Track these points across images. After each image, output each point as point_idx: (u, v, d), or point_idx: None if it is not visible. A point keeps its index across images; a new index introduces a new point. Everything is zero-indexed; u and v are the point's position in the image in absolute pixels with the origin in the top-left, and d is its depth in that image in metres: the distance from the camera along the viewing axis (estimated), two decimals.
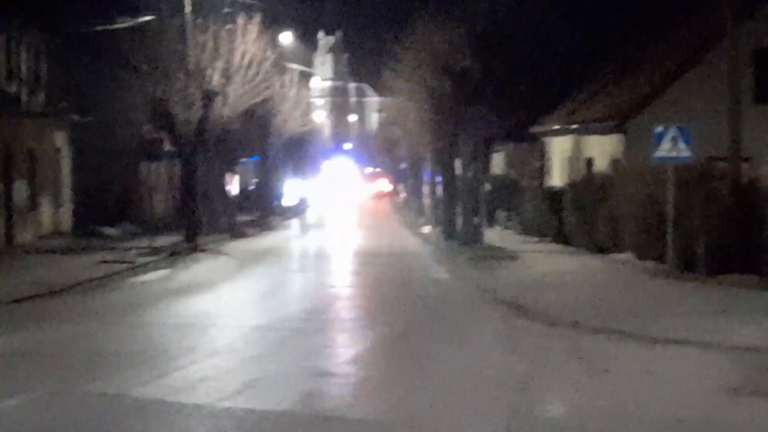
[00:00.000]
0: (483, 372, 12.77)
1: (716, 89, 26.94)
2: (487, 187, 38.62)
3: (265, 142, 54.63)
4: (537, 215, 37.55)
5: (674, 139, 22.67)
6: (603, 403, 10.78)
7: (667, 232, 23.04)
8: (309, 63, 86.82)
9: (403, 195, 78.18)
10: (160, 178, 48.55)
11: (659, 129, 23.05)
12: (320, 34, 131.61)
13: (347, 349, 15.10)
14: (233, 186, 49.43)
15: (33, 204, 36.35)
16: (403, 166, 73.19)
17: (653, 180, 24.32)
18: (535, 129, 43.86)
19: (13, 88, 35.26)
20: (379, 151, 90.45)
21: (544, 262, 27.35)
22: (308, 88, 75.95)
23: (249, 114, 42.56)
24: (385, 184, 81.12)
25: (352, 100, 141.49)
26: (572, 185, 33.84)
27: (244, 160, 55.48)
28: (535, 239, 35.52)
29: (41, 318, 18.26)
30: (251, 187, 62.97)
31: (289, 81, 56.28)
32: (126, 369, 13.05)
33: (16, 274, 25.10)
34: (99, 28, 35.72)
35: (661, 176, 23.22)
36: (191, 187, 36.93)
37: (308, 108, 73.01)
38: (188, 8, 35.68)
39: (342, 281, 26.37)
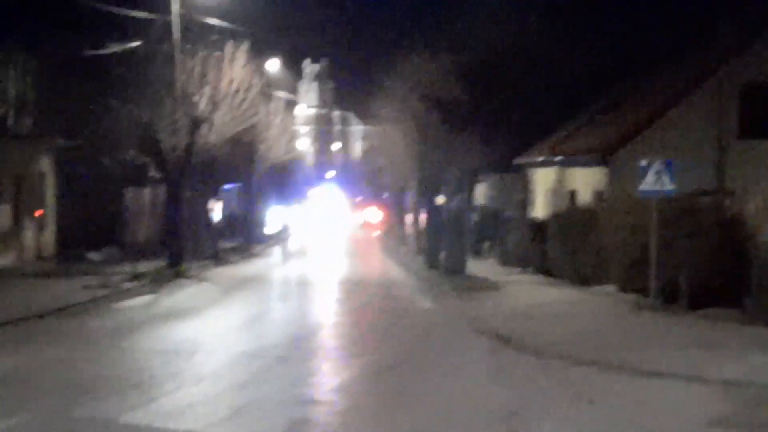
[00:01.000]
0: (471, 404, 12.76)
1: (699, 126, 27.16)
2: (474, 217, 38.60)
3: (249, 169, 54.72)
4: (520, 246, 37.52)
5: (659, 173, 22.76)
6: None
7: (650, 265, 23.14)
8: (294, 90, 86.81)
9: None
10: (144, 203, 48.52)
11: (644, 162, 23.11)
12: (306, 62, 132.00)
13: (333, 378, 15.06)
14: (217, 212, 49.35)
15: (17, 228, 36.23)
16: (385, 195, 73.16)
17: (637, 213, 24.37)
18: (520, 160, 43.98)
19: None
20: (362, 179, 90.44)
21: (527, 294, 27.32)
22: (293, 116, 75.97)
23: (234, 140, 42.51)
24: (374, 213, 79.88)
25: (337, 128, 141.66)
26: (556, 216, 33.85)
27: (227, 186, 55.36)
28: (517, 270, 35.48)
29: (26, 342, 18.25)
30: (234, 213, 62.80)
31: (275, 108, 56.38)
32: (114, 394, 13.03)
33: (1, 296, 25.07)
34: (88, 52, 35.71)
35: (646, 209, 23.31)
36: (176, 212, 36.93)
37: (293, 135, 72.94)
38: (177, 35, 35.72)
39: (326, 309, 26.28)
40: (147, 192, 47.79)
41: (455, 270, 33.76)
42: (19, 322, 20.97)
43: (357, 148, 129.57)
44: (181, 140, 35.47)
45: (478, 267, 35.73)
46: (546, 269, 32.85)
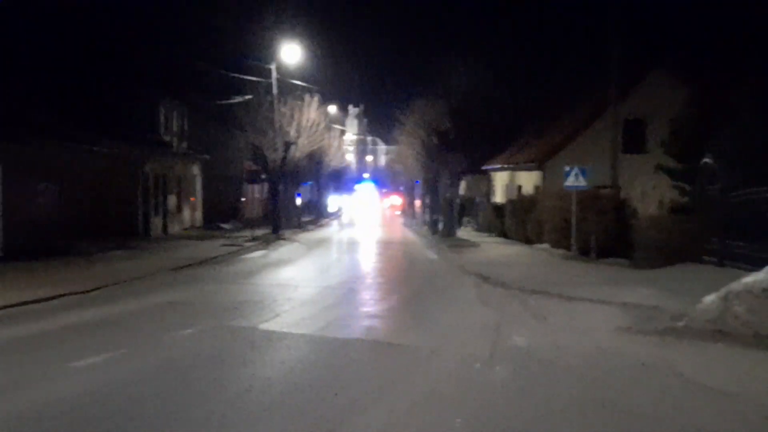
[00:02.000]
0: (469, 318, 12.76)
1: (599, 144, 26.96)
2: (459, 202, 38.56)
3: (318, 172, 54.74)
4: (487, 220, 37.53)
5: (576, 174, 22.74)
6: (550, 338, 10.79)
7: (571, 231, 23.15)
8: (344, 124, 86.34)
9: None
10: (255, 194, 48.68)
11: (567, 168, 23.08)
12: (350, 107, 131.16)
13: (382, 303, 14.98)
14: (299, 200, 49.46)
15: (180, 208, 36.46)
16: (402, 188, 72.99)
17: (562, 199, 24.35)
18: (485, 167, 43.77)
19: (168, 138, 35.41)
20: (387, 178, 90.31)
21: (495, 249, 27.27)
22: (343, 140, 75.89)
23: (310, 155, 42.67)
24: (396, 200, 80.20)
25: (369, 147, 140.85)
26: (510, 201, 33.81)
27: (305, 183, 55.48)
28: (486, 235, 35.50)
29: (195, 280, 18.34)
30: (310, 200, 62.92)
31: (333, 135, 56.41)
32: (252, 312, 13.13)
33: (172, 252, 25.29)
34: (221, 102, 35.86)
35: (568, 197, 23.29)
36: (275, 199, 37.11)
37: (343, 152, 72.96)
38: (275, 90, 35.90)
39: (370, 258, 26.25)
40: (257, 187, 47.96)
41: (448, 234, 33.86)
42: (186, 267, 21.20)
43: (382, 159, 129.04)
44: (278, 155, 35.66)
45: (463, 233, 35.77)
46: (504, 234, 32.86)
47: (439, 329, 11.63)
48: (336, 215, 69.39)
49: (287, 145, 35.92)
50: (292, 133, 36.33)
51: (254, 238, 31.67)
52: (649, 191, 22.70)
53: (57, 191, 24.07)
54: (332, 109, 57.26)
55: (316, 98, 39.05)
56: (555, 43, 53.88)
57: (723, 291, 11.09)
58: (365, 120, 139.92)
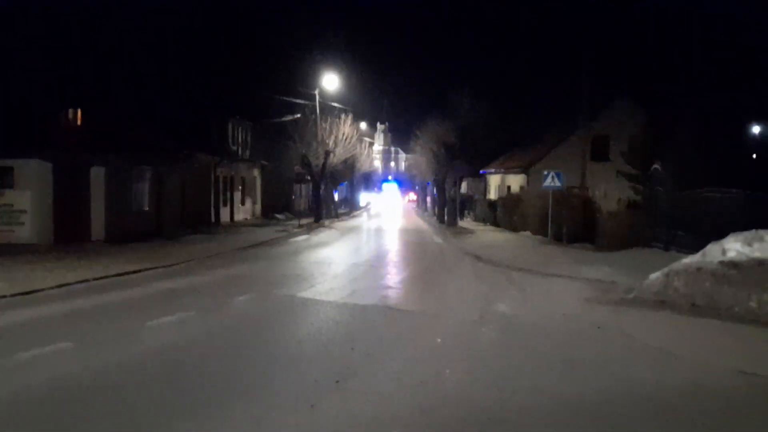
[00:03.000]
0: (466, 290, 12.65)
1: (573, 154, 26.61)
2: (460, 198, 38.30)
3: (351, 175, 54.57)
4: (483, 212, 37.27)
5: (553, 178, 22.44)
6: (528, 305, 10.70)
7: (548, 222, 22.88)
8: (372, 137, 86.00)
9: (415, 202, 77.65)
10: (302, 191, 48.70)
11: (546, 172, 22.82)
12: (378, 124, 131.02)
13: (397, 276, 14.85)
14: (336, 196, 49.37)
15: (243, 202, 36.57)
16: (417, 187, 72.68)
17: (542, 197, 24.11)
18: (482, 171, 43.51)
19: (234, 148, 35.46)
20: (406, 180, 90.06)
21: (488, 236, 27.08)
22: (372, 150, 75.62)
23: (345, 162, 42.52)
24: (412, 196, 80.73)
25: (392, 155, 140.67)
26: (501, 198, 33.56)
27: (342, 183, 55.46)
28: (482, 225, 35.27)
29: (252, 258, 18.35)
30: (345, 196, 62.93)
31: (364, 146, 56.26)
32: (293, 283, 13.07)
33: (236, 236, 25.35)
34: (276, 120, 35.90)
35: (546, 196, 23.02)
36: (317, 196, 37.07)
37: (371, 159, 72.65)
38: (318, 111, 35.75)
39: (390, 241, 25.99)
40: (303, 186, 47.94)
41: (452, 224, 33.62)
42: (248, 248, 21.23)
43: (402, 165, 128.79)
44: (320, 161, 35.56)
45: (463, 223, 35.53)
46: (496, 224, 32.59)
47: (441, 297, 11.55)
48: (366, 208, 69.27)
49: (327, 154, 35.84)
50: (331, 144, 36.21)
51: (300, 226, 31.67)
52: (610, 191, 22.39)
53: (148, 188, 24.21)
54: (363, 125, 56.90)
55: (350, 117, 38.85)
56: (539, 75, 53.46)
57: (666, 269, 10.89)
58: (389, 134, 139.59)
